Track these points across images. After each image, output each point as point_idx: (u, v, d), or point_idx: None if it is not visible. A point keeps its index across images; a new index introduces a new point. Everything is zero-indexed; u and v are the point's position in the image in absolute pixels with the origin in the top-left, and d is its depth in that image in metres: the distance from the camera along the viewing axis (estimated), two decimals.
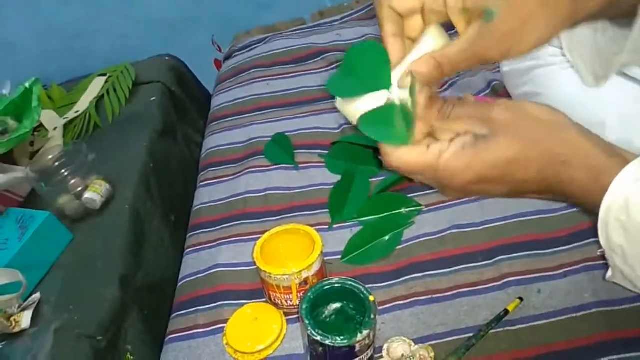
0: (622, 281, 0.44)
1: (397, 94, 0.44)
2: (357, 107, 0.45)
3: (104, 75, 1.28)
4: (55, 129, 1.12)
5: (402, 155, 0.43)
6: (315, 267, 0.68)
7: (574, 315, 0.64)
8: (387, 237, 0.77)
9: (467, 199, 0.46)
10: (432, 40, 0.44)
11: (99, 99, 1.22)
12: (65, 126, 1.15)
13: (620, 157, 0.40)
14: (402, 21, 0.46)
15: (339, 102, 0.47)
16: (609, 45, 0.50)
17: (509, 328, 0.64)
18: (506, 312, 0.65)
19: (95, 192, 0.92)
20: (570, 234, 0.72)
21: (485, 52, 0.42)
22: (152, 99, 1.21)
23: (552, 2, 0.41)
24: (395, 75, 0.44)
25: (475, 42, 0.41)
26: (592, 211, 0.41)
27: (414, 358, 0.63)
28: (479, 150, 0.41)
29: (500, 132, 0.41)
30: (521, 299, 0.66)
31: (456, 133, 0.44)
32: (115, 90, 1.23)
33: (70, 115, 1.17)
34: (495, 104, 0.42)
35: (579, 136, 0.41)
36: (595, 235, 0.69)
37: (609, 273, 0.44)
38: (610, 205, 0.39)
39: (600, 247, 0.67)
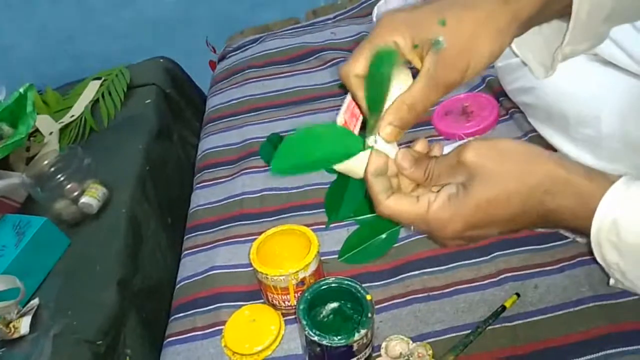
0: (624, 287, 0.44)
1: (380, 145, 0.46)
2: (354, 166, 0.47)
3: (99, 78, 1.28)
4: (51, 133, 1.12)
5: (392, 205, 0.45)
6: (312, 267, 0.68)
7: (572, 309, 0.64)
8: (383, 236, 0.76)
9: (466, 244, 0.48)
10: (395, 81, 0.46)
11: (94, 103, 1.22)
12: (61, 131, 1.15)
13: (602, 179, 0.41)
14: None
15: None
16: (554, 36, 0.51)
17: (507, 324, 0.64)
18: (503, 308, 0.65)
19: (91, 197, 0.93)
20: None
21: (446, 77, 0.44)
22: (147, 101, 1.21)
23: (488, 19, 0.43)
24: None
25: (434, 72, 0.43)
26: (586, 234, 0.41)
27: (412, 356, 0.63)
28: (460, 199, 0.43)
29: (475, 176, 0.42)
30: (518, 294, 0.66)
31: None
32: (110, 94, 1.23)
33: (66, 119, 1.17)
34: (467, 146, 0.43)
35: (554, 165, 0.41)
36: None
37: (612, 280, 0.44)
38: (599, 228, 0.40)
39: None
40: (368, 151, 0.46)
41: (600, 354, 0.59)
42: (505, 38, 0.44)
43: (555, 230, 0.44)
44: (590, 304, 0.63)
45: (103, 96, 1.23)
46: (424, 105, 0.45)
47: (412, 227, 0.47)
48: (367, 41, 0.46)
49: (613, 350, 0.59)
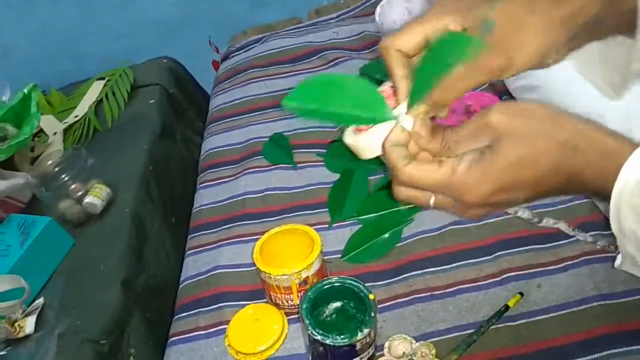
0: (631, 269, 0.42)
1: (407, 123, 0.43)
2: (368, 141, 0.45)
3: (103, 79, 1.28)
4: (55, 134, 1.13)
5: (411, 171, 0.42)
6: (315, 267, 0.68)
7: (575, 309, 0.64)
8: (386, 235, 0.77)
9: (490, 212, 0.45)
10: None
11: (98, 103, 1.22)
12: (65, 131, 1.15)
13: (627, 139, 0.39)
14: (408, 60, 0.46)
15: (348, 136, 0.47)
16: (623, 55, 0.49)
17: (510, 323, 0.64)
18: (506, 307, 0.65)
19: (95, 197, 0.93)
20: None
21: (490, 63, 0.42)
22: (151, 101, 1.21)
23: (539, 9, 0.42)
24: (403, 107, 0.44)
25: (478, 56, 0.42)
26: (607, 198, 0.40)
27: (415, 355, 0.63)
28: (488, 161, 0.40)
29: (502, 136, 0.40)
30: (521, 294, 0.66)
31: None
32: (114, 94, 1.23)
33: (70, 120, 1.17)
34: (492, 109, 0.41)
35: (580, 122, 0.40)
36: (595, 228, 0.70)
37: (618, 261, 0.43)
38: (622, 190, 0.38)
39: (599, 240, 0.66)
40: (387, 125, 0.44)
41: (604, 353, 0.59)
42: (556, 35, 0.43)
43: (582, 193, 0.41)
44: (594, 303, 0.63)
45: (107, 96, 1.23)
46: (462, 86, 0.43)
47: (431, 201, 0.43)
48: (417, 21, 0.45)
49: (616, 350, 0.59)
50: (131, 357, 0.80)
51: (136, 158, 1.05)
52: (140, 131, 1.12)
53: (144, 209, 0.97)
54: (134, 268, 0.87)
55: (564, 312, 0.64)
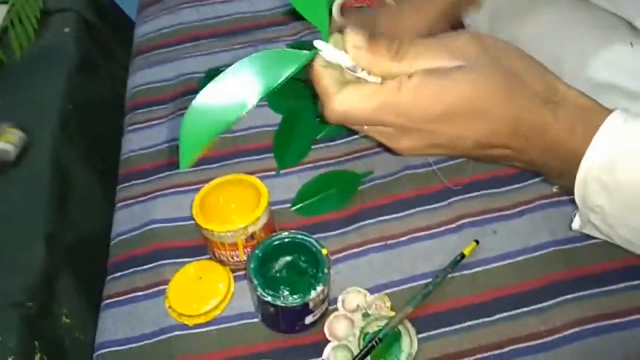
0: (592, 232, 0.41)
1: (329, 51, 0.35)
2: None
3: (6, 2, 1.12)
4: None
5: (346, 98, 0.34)
6: (262, 221, 0.63)
7: (531, 255, 0.63)
8: (341, 186, 0.72)
9: (423, 155, 0.38)
10: None
11: (3, 32, 1.06)
12: None
13: (599, 104, 0.36)
14: None
15: None
16: None
17: (466, 272, 0.63)
18: (462, 256, 0.63)
19: (7, 142, 0.82)
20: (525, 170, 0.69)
21: None
22: (66, 30, 1.07)
23: None
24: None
25: None
26: (567, 169, 0.37)
27: (369, 308, 0.61)
28: (452, 79, 0.34)
29: (478, 62, 0.34)
30: (477, 241, 0.64)
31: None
32: (20, 21, 1.07)
33: None
34: (458, 34, 0.36)
35: (557, 79, 0.37)
36: None
37: (577, 224, 0.41)
38: (590, 166, 0.35)
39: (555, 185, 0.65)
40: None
41: (559, 299, 0.59)
42: None
43: (537, 161, 0.37)
44: (550, 249, 0.63)
45: (12, 23, 1.07)
46: None
47: (365, 129, 0.36)
48: None
49: (571, 295, 0.59)
50: (63, 316, 0.74)
51: (52, 96, 0.93)
52: (55, 65, 0.99)
53: (65, 154, 0.87)
54: (58, 222, 0.78)
55: (520, 258, 0.63)
